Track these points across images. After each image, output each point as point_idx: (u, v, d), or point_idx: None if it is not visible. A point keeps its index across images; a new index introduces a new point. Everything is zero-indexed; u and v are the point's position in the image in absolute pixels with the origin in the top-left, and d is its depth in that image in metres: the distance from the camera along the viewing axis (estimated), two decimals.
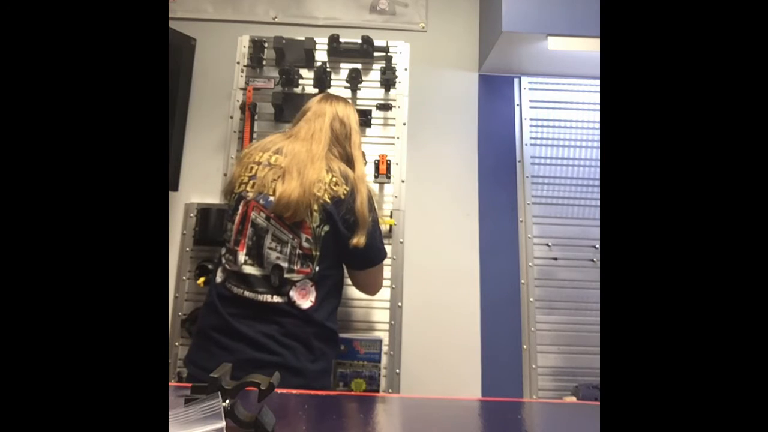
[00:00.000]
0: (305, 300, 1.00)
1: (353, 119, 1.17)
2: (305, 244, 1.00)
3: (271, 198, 1.01)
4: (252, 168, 1.06)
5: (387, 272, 1.54)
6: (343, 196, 1.03)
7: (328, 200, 1.01)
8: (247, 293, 0.99)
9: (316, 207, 1.00)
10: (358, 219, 1.03)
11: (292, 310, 0.99)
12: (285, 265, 0.99)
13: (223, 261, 1.05)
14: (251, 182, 1.04)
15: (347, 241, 1.03)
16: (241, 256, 1.01)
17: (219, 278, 1.04)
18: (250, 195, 1.03)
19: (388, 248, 1.54)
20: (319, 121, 1.12)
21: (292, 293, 0.99)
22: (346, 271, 1.15)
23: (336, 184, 1.03)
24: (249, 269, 1.00)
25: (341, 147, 1.13)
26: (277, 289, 0.99)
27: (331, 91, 1.62)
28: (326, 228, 1.01)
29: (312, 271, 1.01)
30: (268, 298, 0.98)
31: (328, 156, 1.08)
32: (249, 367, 0.88)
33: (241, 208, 1.04)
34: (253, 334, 0.96)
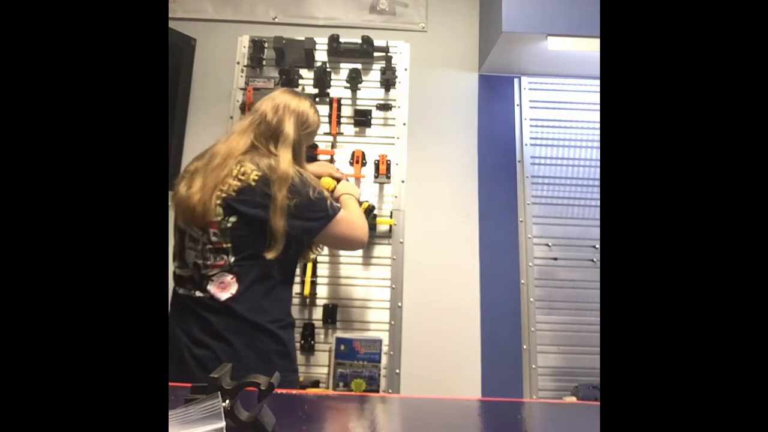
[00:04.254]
0: (225, 292, 1.00)
1: (289, 117, 1.08)
2: (213, 238, 1.01)
3: None
4: (183, 177, 1.09)
5: (387, 272, 1.54)
6: (253, 183, 0.99)
7: (232, 193, 0.99)
8: (180, 290, 1.05)
9: (218, 201, 0.99)
10: (272, 227, 0.99)
11: (213, 303, 0.99)
12: (200, 261, 1.01)
13: None
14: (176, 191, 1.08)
15: (268, 223, 0.99)
16: (173, 262, 1.07)
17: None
18: (173, 203, 1.08)
19: (387, 248, 1.54)
20: (250, 118, 1.10)
21: (209, 287, 1.00)
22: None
23: (243, 173, 1.00)
24: (178, 271, 1.06)
25: (266, 145, 1.06)
26: (198, 285, 1.01)
27: (330, 91, 1.62)
28: (232, 219, 0.99)
29: (227, 263, 1.00)
30: (193, 292, 1.02)
31: (250, 152, 1.04)
32: (181, 366, 0.96)
33: (171, 216, 1.09)
34: (179, 334, 1.00)
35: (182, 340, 0.99)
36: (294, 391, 0.74)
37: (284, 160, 1.03)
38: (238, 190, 0.99)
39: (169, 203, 1.10)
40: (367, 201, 1.50)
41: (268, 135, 1.07)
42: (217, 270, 1.00)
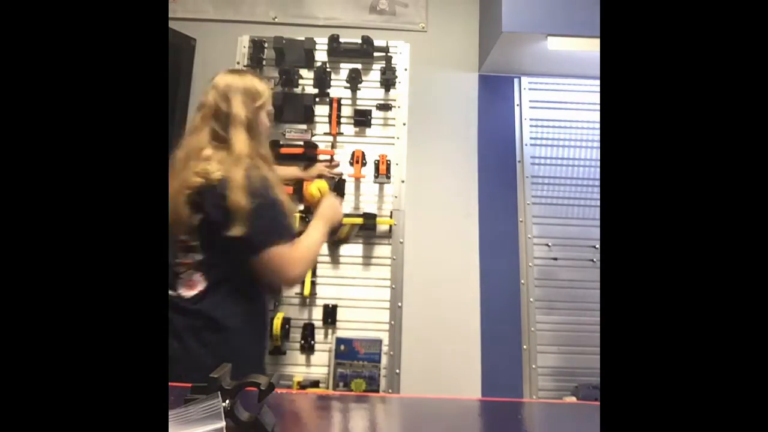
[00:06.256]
0: (192, 290, 0.99)
1: (235, 96, 1.03)
2: (183, 236, 0.99)
3: None
4: None
5: (387, 272, 1.54)
6: (216, 182, 0.95)
7: (196, 191, 0.96)
8: None
9: (184, 199, 0.96)
10: (230, 206, 0.94)
11: (178, 302, 0.98)
12: (171, 260, 1.00)
13: None
14: None
15: (222, 229, 0.95)
16: None
17: None
18: None
19: (387, 248, 1.54)
20: (201, 114, 1.05)
21: (179, 286, 0.99)
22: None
23: (206, 171, 0.96)
24: None
25: (222, 130, 1.02)
26: (170, 284, 1.00)
27: (330, 91, 1.62)
28: (198, 217, 0.97)
29: (194, 261, 0.99)
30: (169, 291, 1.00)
31: (213, 147, 1.00)
32: None
33: None
34: None
35: None
36: (294, 391, 0.74)
37: (239, 140, 0.99)
38: (200, 188, 0.95)
39: None
40: (348, 224, 1.49)
41: (223, 122, 1.02)
42: (185, 268, 0.99)
